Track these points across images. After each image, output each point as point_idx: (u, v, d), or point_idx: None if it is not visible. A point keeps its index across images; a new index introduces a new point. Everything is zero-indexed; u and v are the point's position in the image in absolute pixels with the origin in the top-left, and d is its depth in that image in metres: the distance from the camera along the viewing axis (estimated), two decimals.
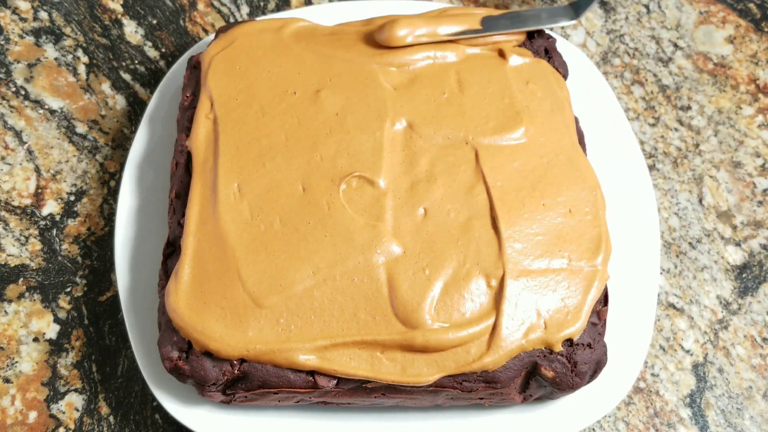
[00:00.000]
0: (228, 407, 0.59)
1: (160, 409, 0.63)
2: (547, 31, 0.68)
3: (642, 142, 0.74)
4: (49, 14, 0.78)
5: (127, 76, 0.76)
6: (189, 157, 0.61)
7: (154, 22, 0.78)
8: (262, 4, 0.79)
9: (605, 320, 0.57)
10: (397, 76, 0.63)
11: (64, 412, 0.63)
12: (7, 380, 0.64)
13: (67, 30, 0.77)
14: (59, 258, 0.68)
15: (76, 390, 0.64)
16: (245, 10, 0.79)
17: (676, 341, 0.66)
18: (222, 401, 0.57)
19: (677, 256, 0.69)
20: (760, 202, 0.72)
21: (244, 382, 0.55)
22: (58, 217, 0.69)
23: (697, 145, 0.74)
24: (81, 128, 0.73)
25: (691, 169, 0.73)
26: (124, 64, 0.76)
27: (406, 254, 0.56)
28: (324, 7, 0.73)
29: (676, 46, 0.78)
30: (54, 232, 0.69)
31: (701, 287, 0.68)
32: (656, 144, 0.74)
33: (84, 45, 0.77)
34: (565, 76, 0.65)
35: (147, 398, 0.64)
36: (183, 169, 0.61)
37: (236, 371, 0.54)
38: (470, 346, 0.54)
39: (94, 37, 0.77)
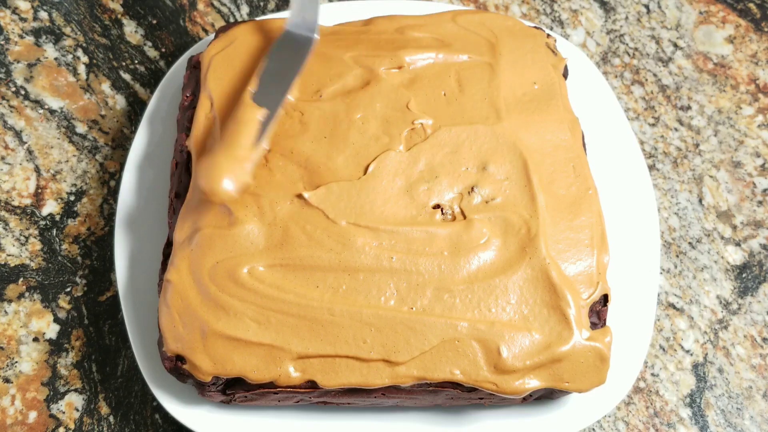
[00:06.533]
0: (228, 407, 0.59)
1: (160, 409, 0.63)
2: (547, 31, 0.68)
3: (642, 142, 0.74)
4: (49, 14, 0.78)
5: (127, 76, 0.76)
6: (189, 157, 0.61)
7: (154, 22, 0.78)
8: (262, 4, 0.79)
9: (605, 320, 0.57)
10: (397, 76, 0.63)
11: (64, 412, 0.63)
12: (7, 380, 0.64)
13: (67, 30, 0.77)
14: (59, 258, 0.68)
15: (76, 390, 0.64)
16: (245, 10, 0.79)
17: (676, 341, 0.66)
18: (222, 401, 0.57)
19: (677, 256, 0.69)
20: (760, 202, 0.72)
21: (244, 382, 0.55)
22: (58, 217, 0.69)
23: (697, 145, 0.74)
24: (81, 128, 0.73)
25: (691, 169, 0.73)
26: (124, 64, 0.76)
27: None
28: (324, 7, 0.72)
29: (676, 46, 0.78)
30: (54, 232, 0.69)
31: (701, 287, 0.68)
32: (656, 144, 0.74)
33: (84, 45, 0.77)
34: (565, 76, 0.65)
35: (147, 398, 0.64)
36: (183, 169, 0.61)
37: None
38: None
39: (94, 37, 0.77)
